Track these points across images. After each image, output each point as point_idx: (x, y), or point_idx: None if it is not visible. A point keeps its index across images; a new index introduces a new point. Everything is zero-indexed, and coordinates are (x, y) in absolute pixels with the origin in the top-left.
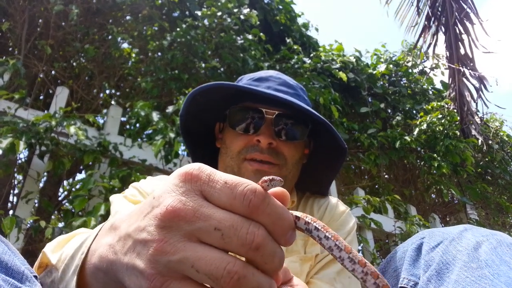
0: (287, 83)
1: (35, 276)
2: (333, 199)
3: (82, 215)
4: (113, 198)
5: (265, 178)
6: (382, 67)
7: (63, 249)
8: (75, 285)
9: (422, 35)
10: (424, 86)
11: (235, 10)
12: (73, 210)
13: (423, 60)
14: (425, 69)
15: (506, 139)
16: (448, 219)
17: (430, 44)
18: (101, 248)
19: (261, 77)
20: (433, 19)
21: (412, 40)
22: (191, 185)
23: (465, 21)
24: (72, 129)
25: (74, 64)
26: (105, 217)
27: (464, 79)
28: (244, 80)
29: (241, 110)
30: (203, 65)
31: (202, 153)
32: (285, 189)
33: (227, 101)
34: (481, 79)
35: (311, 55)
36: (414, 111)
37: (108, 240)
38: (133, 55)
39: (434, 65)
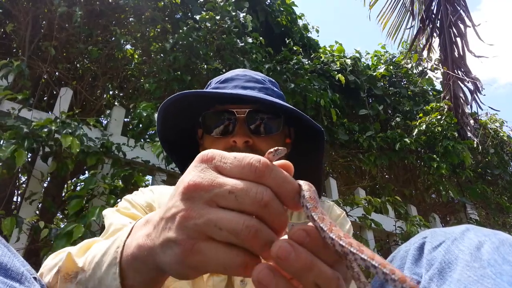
0: (254, 79)
1: (35, 278)
2: (329, 202)
3: (81, 217)
4: (106, 212)
5: (270, 150)
6: (382, 69)
7: (88, 253)
8: (118, 274)
9: (417, 37)
10: (424, 87)
11: (233, 14)
12: (77, 211)
13: (416, 62)
14: (425, 70)
15: (506, 139)
16: (448, 219)
17: (424, 46)
18: (138, 239)
19: (227, 78)
20: (427, 21)
21: (393, 44)
22: (207, 164)
23: (459, 23)
24: (68, 141)
25: (78, 65)
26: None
27: (459, 82)
28: (213, 84)
29: (213, 115)
30: (205, 66)
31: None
32: None
33: (201, 107)
34: (475, 82)
35: (311, 56)
36: (414, 112)
37: (145, 231)
38: (136, 56)
39: (434, 66)
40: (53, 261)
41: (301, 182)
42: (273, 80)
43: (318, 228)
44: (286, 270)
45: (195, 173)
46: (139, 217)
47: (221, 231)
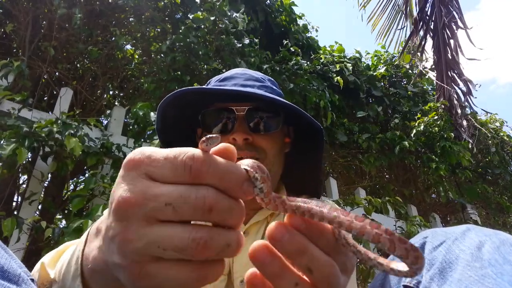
0: (253, 77)
1: (32, 280)
2: (330, 202)
3: (86, 214)
4: (107, 212)
5: (203, 139)
6: (382, 69)
7: (58, 262)
8: (81, 286)
9: (411, 39)
10: (424, 87)
11: (229, 14)
12: (75, 211)
13: (409, 63)
14: (424, 70)
15: (507, 139)
16: (448, 218)
17: (418, 47)
18: (93, 252)
19: (226, 76)
20: (421, 23)
21: (383, 44)
22: (135, 171)
23: (452, 25)
24: (72, 143)
25: (78, 65)
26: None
27: (452, 83)
28: (212, 83)
29: (213, 113)
30: (205, 66)
31: None
32: (272, 182)
33: (200, 106)
34: (467, 83)
35: (311, 57)
36: (413, 112)
37: (96, 243)
38: (136, 56)
39: (426, 70)
40: (38, 264)
41: (247, 163)
42: (272, 79)
43: (278, 205)
44: (279, 251)
45: (124, 185)
46: None
47: (166, 251)
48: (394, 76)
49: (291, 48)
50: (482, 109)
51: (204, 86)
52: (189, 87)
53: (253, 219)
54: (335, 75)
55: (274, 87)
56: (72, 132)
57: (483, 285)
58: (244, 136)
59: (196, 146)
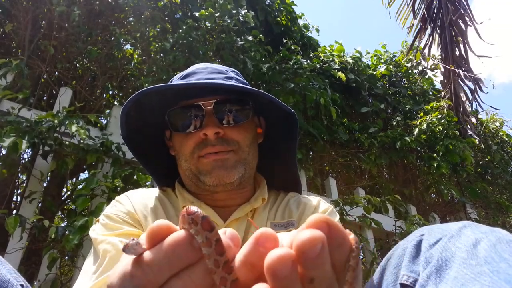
0: (216, 70)
1: (22, 285)
2: (316, 197)
3: (85, 214)
4: (93, 235)
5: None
6: (382, 68)
7: None
8: None
9: (418, 36)
10: (424, 87)
11: (234, 12)
12: (76, 210)
13: (419, 61)
14: (425, 69)
15: (506, 139)
16: (448, 218)
17: (426, 45)
18: None
19: (188, 72)
20: (429, 20)
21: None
22: None
23: (460, 22)
24: (73, 128)
25: (77, 65)
26: None
27: (459, 81)
28: (174, 81)
29: (179, 111)
30: None
31: (160, 169)
32: (248, 172)
33: (165, 107)
34: (476, 81)
35: (310, 55)
36: (414, 112)
37: None
38: (136, 56)
39: (433, 66)
40: None
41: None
42: (236, 70)
43: None
44: (302, 263)
45: None
46: (123, 231)
47: None
48: (394, 75)
49: (292, 47)
50: (490, 106)
51: (166, 84)
52: (150, 87)
53: (234, 215)
54: (336, 71)
55: (239, 77)
56: (75, 121)
57: (479, 283)
58: (214, 130)
59: (167, 148)
